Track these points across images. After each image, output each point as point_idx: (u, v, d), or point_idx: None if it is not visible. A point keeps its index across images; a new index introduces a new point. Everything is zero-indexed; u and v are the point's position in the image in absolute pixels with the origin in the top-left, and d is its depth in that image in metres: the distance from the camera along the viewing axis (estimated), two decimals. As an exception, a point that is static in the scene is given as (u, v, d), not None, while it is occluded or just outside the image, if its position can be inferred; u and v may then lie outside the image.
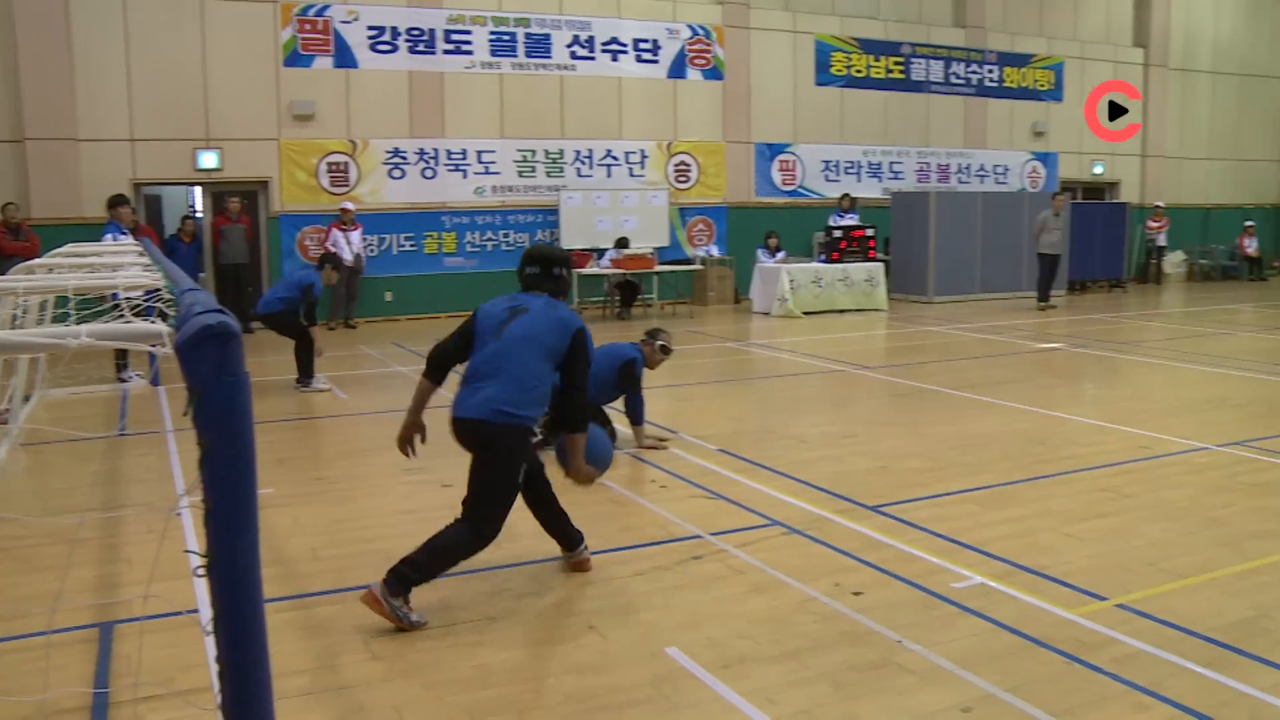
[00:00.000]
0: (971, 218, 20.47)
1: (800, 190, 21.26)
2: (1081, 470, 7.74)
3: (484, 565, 5.70)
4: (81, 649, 4.64)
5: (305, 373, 11.11)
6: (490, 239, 18.31)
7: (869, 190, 21.83)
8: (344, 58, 16.95)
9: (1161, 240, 25.09)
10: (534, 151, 18.54)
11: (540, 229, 18.58)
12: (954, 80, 22.93)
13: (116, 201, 12.32)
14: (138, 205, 15.67)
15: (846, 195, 20.69)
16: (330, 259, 11.82)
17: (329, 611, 5.08)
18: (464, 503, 5.03)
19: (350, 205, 16.82)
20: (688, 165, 19.88)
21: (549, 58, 18.50)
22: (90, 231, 13.12)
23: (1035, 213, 20.04)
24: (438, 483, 7.40)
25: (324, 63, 16.83)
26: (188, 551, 5.56)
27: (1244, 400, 10.68)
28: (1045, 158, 24.46)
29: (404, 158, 17.59)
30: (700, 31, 19.83)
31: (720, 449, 8.37)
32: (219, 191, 16.72)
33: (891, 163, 22.30)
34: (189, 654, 4.51)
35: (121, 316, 4.47)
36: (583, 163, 18.94)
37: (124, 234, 11.66)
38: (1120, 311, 19.22)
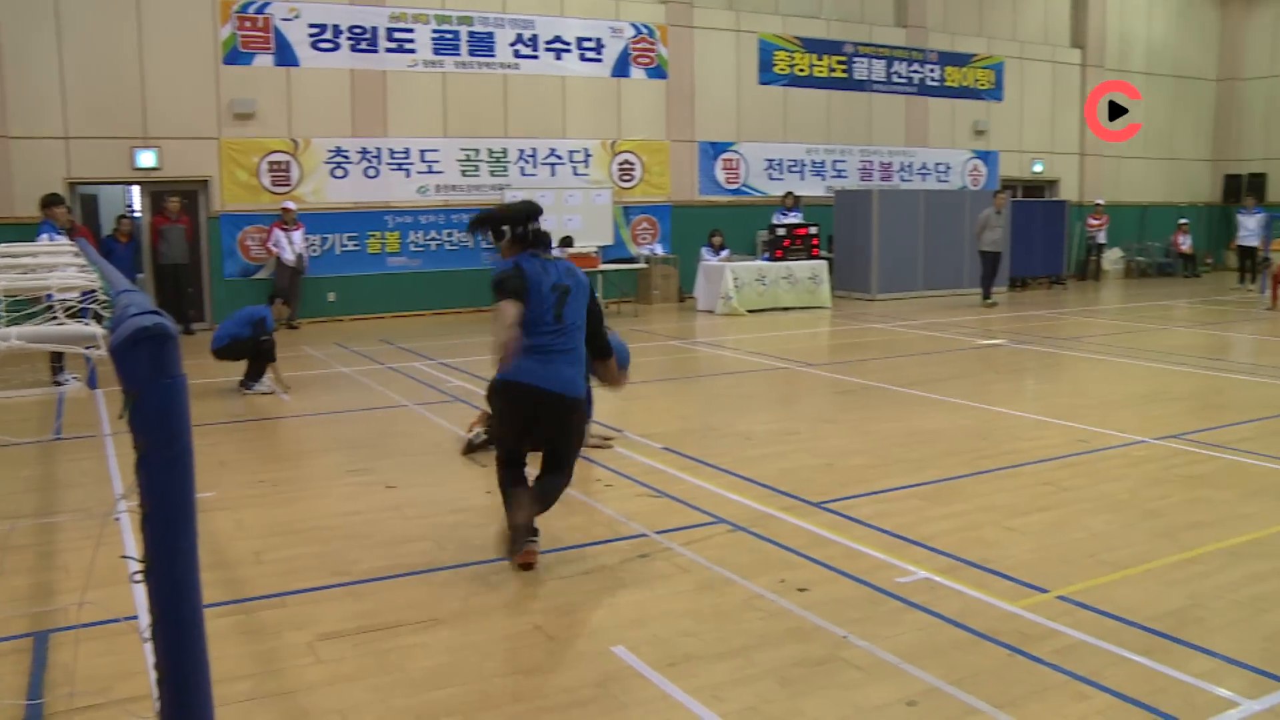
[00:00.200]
0: (914, 216, 20.65)
1: (744, 189, 21.34)
2: (1023, 465, 7.84)
3: (430, 566, 5.67)
4: (15, 659, 4.55)
5: (252, 375, 10.98)
6: (434, 238, 18.20)
7: (812, 188, 21.94)
8: (285, 56, 16.77)
9: (1102, 238, 25.47)
10: (477, 150, 18.45)
11: (485, 228, 18.49)
12: (896, 79, 23.12)
13: (51, 201, 12.10)
14: (73, 205, 15.38)
15: (790, 193, 20.79)
16: (280, 293, 11.82)
17: (273, 615, 5.03)
18: (552, 457, 5.75)
19: (292, 205, 16.64)
20: (632, 164, 19.88)
21: (492, 56, 18.41)
22: (22, 231, 12.88)
23: (976, 211, 20.26)
24: (381, 484, 7.36)
25: (264, 61, 16.63)
26: (124, 557, 5.47)
27: (1180, 394, 10.87)
28: (986, 156, 24.74)
29: (346, 157, 17.44)
30: (644, 30, 19.84)
31: (666, 447, 8.38)
32: (158, 191, 16.46)
33: (835, 161, 22.44)
34: (127, 662, 4.43)
35: (55, 319, 4.39)
36: (526, 162, 18.88)
37: (59, 234, 11.45)
38: (1060, 308, 19.49)
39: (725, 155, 21.05)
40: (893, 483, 7.32)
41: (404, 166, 17.87)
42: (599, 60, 19.46)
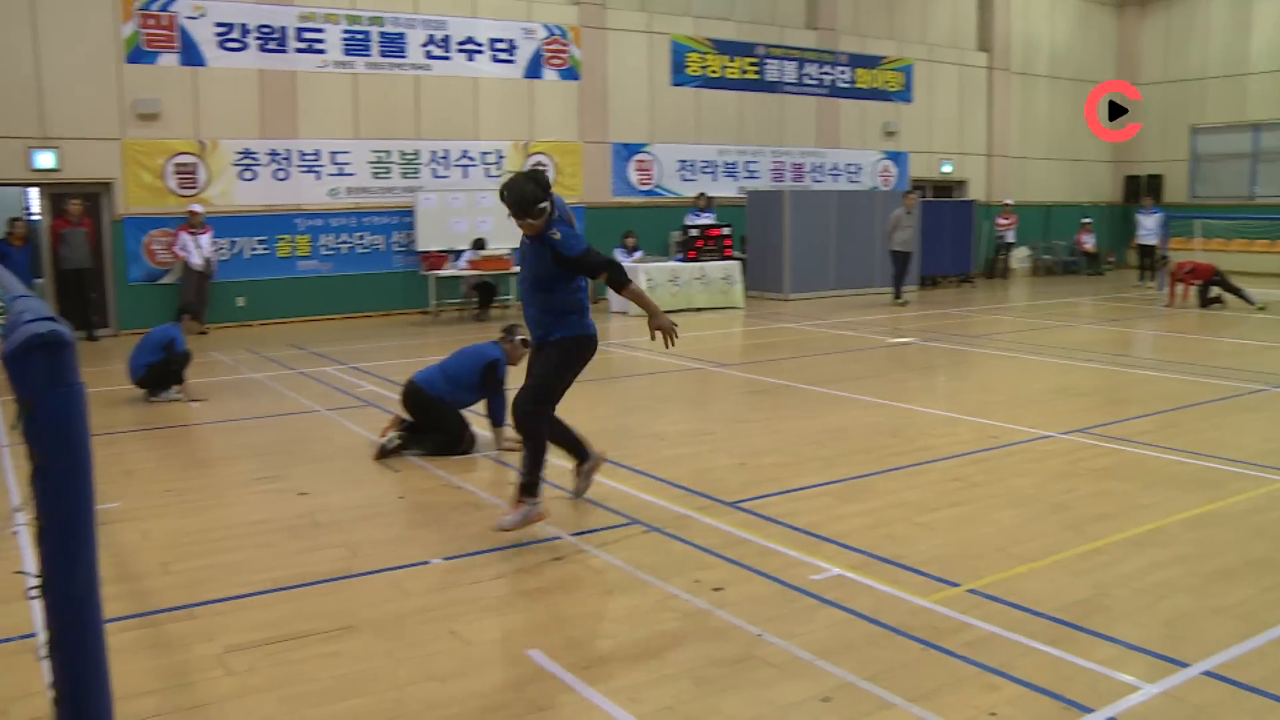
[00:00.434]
0: (825, 216, 20.87)
1: (657, 190, 21.40)
2: (934, 461, 7.96)
3: (343, 573, 5.60)
4: (-89, 677, 4.41)
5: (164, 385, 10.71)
6: (345, 241, 17.97)
7: (725, 189, 22.07)
8: (191, 55, 16.43)
9: (1010, 237, 25.98)
10: (389, 152, 18.27)
11: (396, 230, 18.31)
12: (807, 81, 23.35)
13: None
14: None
15: (703, 194, 20.88)
16: (188, 308, 11.45)
17: (181, 628, 4.92)
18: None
19: (199, 208, 16.31)
20: (545, 166, 19.83)
21: (404, 57, 18.24)
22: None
23: (887, 211, 20.54)
24: (293, 491, 7.26)
25: (169, 60, 16.28)
26: (18, 572, 5.32)
27: (1085, 389, 11.13)
28: (896, 157, 25.09)
29: (255, 159, 17.15)
30: (556, 32, 19.80)
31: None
32: (58, 193, 16.02)
33: (747, 162, 22.60)
34: (25, 681, 4.30)
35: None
36: (439, 163, 18.73)
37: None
38: (969, 306, 19.84)
39: (638, 156, 21.10)
40: (805, 481, 7.39)
41: (314, 169, 17.62)
42: (511, 61, 19.38)
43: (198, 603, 5.19)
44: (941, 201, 24.62)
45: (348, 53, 17.69)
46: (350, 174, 17.90)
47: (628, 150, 20.94)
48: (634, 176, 21.08)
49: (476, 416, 8.45)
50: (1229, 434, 8.94)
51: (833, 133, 23.91)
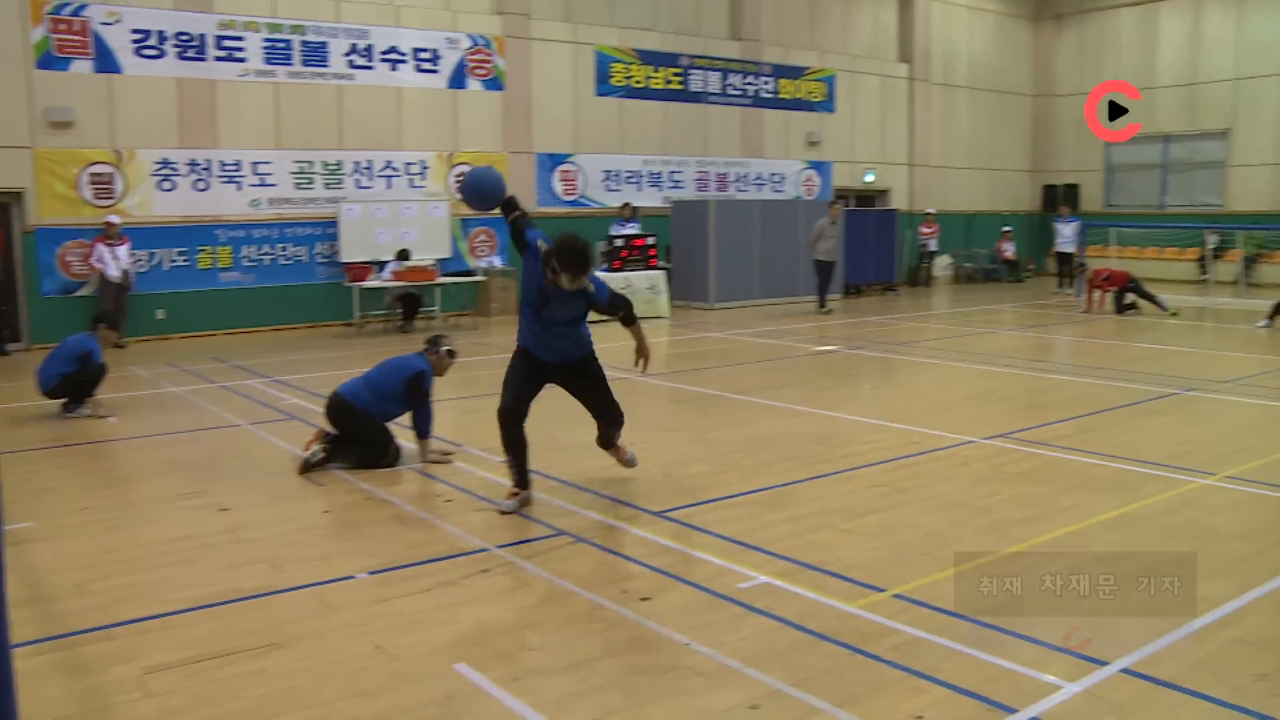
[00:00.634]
0: (750, 225, 21.01)
1: (582, 200, 21.40)
2: (859, 468, 8.03)
3: (266, 589, 5.51)
4: None
5: (75, 399, 10.44)
6: (267, 253, 17.72)
7: (649, 199, 22.12)
8: (106, 62, 16.10)
9: (933, 245, 26.38)
10: (312, 162, 18.05)
11: (319, 241, 18.09)
12: (731, 91, 23.50)
13: None
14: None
15: (627, 204, 20.91)
16: (105, 317, 11.07)
17: (98, 650, 4.80)
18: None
19: (116, 219, 15.97)
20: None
21: (326, 66, 18.05)
22: None
23: (811, 220, 20.70)
24: (215, 507, 7.12)
25: (83, 66, 15.93)
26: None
27: (1007, 395, 11.32)
28: (819, 167, 25.34)
29: (174, 169, 16.84)
30: (480, 42, 19.73)
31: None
32: (-34, 205, 15.63)
33: (671, 172, 22.69)
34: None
35: None
36: (362, 174, 18.55)
37: None
38: (893, 314, 20.08)
39: (563, 167, 21.08)
40: (732, 489, 7.42)
41: (235, 179, 17.35)
42: (435, 71, 19.27)
43: (116, 623, 5.07)
44: (865, 211, 24.91)
45: (269, 61, 17.47)
46: (272, 184, 17.66)
47: (552, 161, 20.91)
48: (559, 187, 21.06)
49: (402, 429, 8.36)
50: (1144, 437, 9.15)
51: (756, 143, 24.09)
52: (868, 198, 26.94)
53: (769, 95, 24.15)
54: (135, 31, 16.29)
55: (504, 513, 6.81)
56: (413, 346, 8.56)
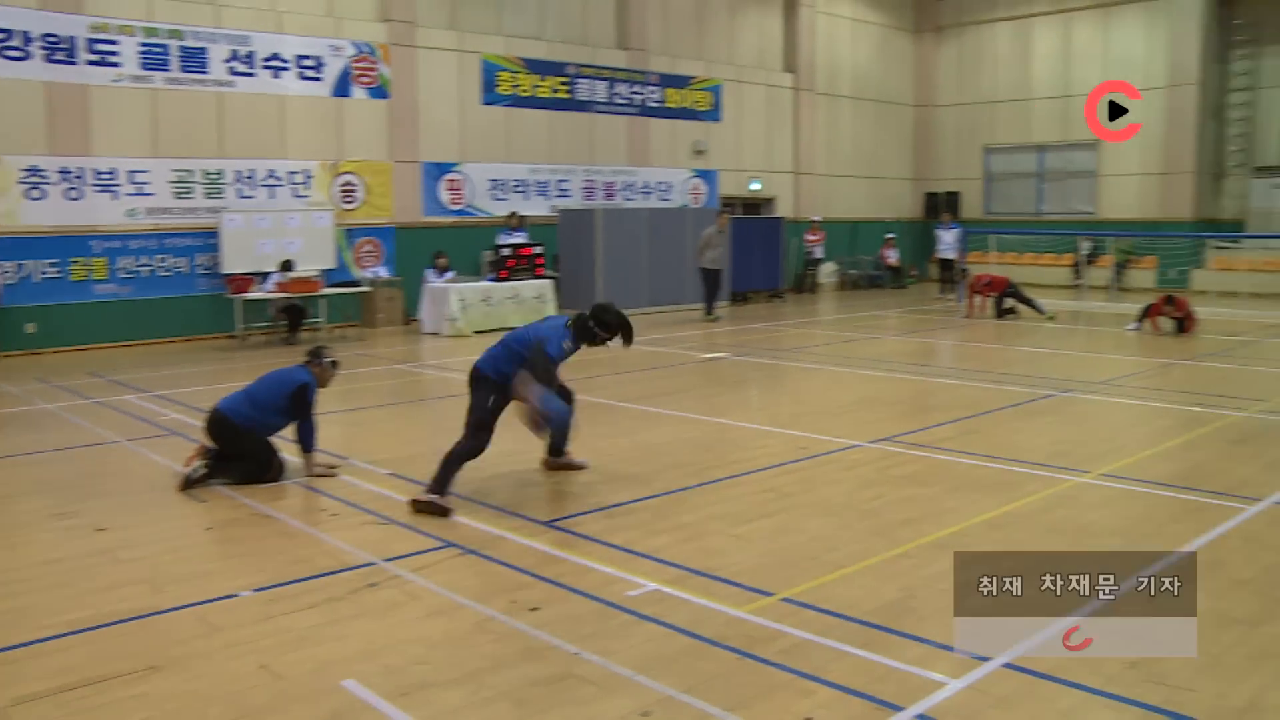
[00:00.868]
0: (637, 233, 21.09)
1: (468, 209, 21.25)
2: (747, 474, 8.10)
3: (146, 611, 5.36)
4: None
5: None
6: (145, 264, 17.23)
7: (536, 208, 22.06)
8: (-34, 66, 15.51)
9: (819, 252, 26.79)
10: (191, 171, 17.62)
11: (200, 253, 17.66)
12: (618, 100, 23.57)
13: None
14: None
15: (514, 213, 20.82)
16: None
17: (-39, 677, 4.62)
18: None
19: (-19, 230, 15.41)
20: (354, 185, 19.46)
21: (206, 73, 17.63)
22: None
23: (698, 228, 20.86)
24: (91, 527, 6.90)
25: (-58, 71, 15.34)
26: None
27: (891, 399, 11.53)
28: (706, 175, 25.54)
29: (44, 177, 16.29)
30: (365, 49, 19.48)
31: (392, 473, 8.21)
32: None
33: (558, 181, 22.66)
34: None
35: None
36: (244, 183, 18.16)
37: None
38: (780, 320, 20.32)
39: (449, 176, 20.91)
40: (620, 497, 7.42)
41: (110, 188, 16.85)
42: (319, 79, 18.96)
43: (-18, 650, 4.88)
44: (751, 219, 25.17)
45: (145, 67, 17.00)
46: (150, 193, 17.18)
47: (438, 169, 20.73)
48: (445, 196, 20.88)
49: (286, 443, 8.20)
50: (1023, 437, 9.40)
51: (643, 151, 24.19)
52: (754, 206, 27.22)
53: (656, 104, 24.29)
54: (-2, 32, 15.70)
55: (448, 510, 6.99)
56: (297, 359, 8.39)
